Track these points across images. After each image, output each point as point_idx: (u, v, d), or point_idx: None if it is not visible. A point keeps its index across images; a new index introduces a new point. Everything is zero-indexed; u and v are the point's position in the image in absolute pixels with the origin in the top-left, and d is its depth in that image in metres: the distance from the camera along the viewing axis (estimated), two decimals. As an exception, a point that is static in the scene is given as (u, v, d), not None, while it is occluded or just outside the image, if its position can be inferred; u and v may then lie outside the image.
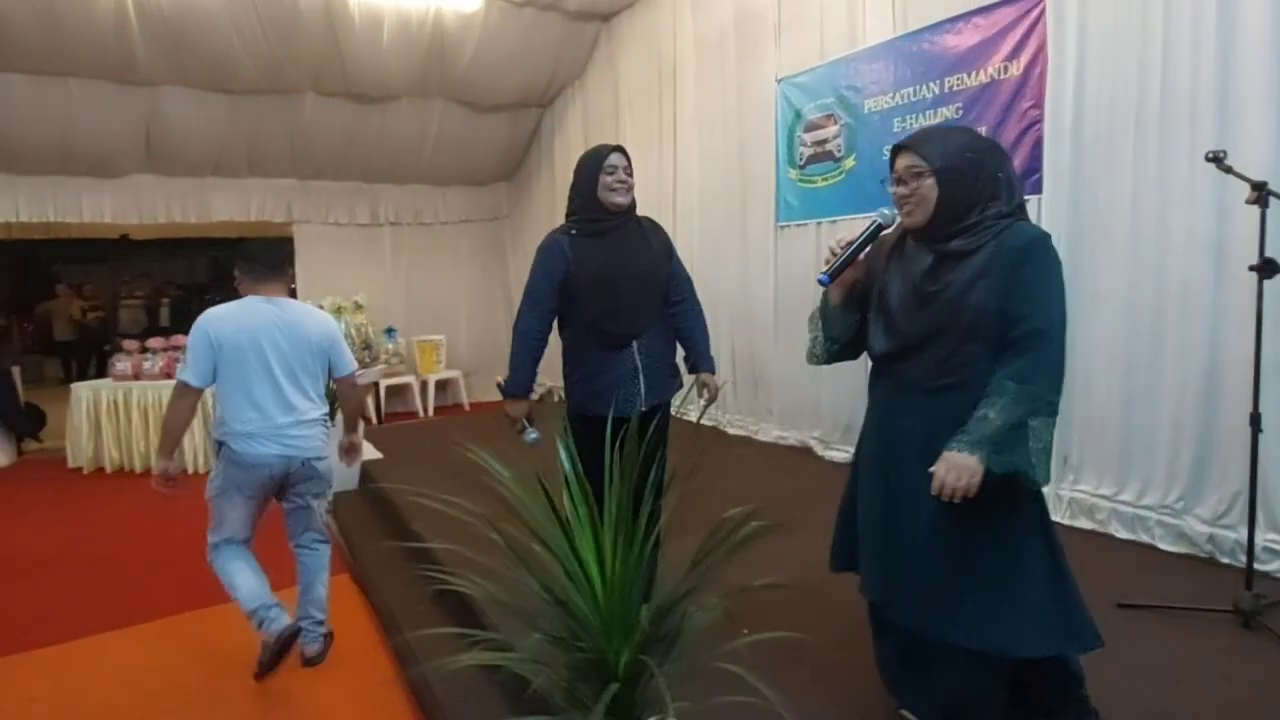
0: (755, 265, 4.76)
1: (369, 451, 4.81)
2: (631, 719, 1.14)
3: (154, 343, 5.74)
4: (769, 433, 4.74)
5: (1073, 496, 3.12)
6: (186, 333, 2.69)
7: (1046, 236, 1.58)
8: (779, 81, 4.56)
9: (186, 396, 2.45)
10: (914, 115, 3.73)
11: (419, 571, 2.85)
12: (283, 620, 2.46)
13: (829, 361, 1.83)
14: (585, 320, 2.26)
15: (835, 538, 1.88)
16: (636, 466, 1.41)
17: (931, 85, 3.63)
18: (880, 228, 1.68)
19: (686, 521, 1.83)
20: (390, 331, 7.32)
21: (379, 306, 7.26)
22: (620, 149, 2.33)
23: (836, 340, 1.79)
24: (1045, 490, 2.88)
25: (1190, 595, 2.40)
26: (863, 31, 3.99)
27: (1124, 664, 2.00)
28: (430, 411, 7.43)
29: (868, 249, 1.70)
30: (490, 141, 7.54)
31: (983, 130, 3.38)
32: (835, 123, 4.20)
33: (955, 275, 1.56)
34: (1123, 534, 2.94)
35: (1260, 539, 2.58)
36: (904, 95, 3.77)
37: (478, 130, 7.29)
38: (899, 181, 1.61)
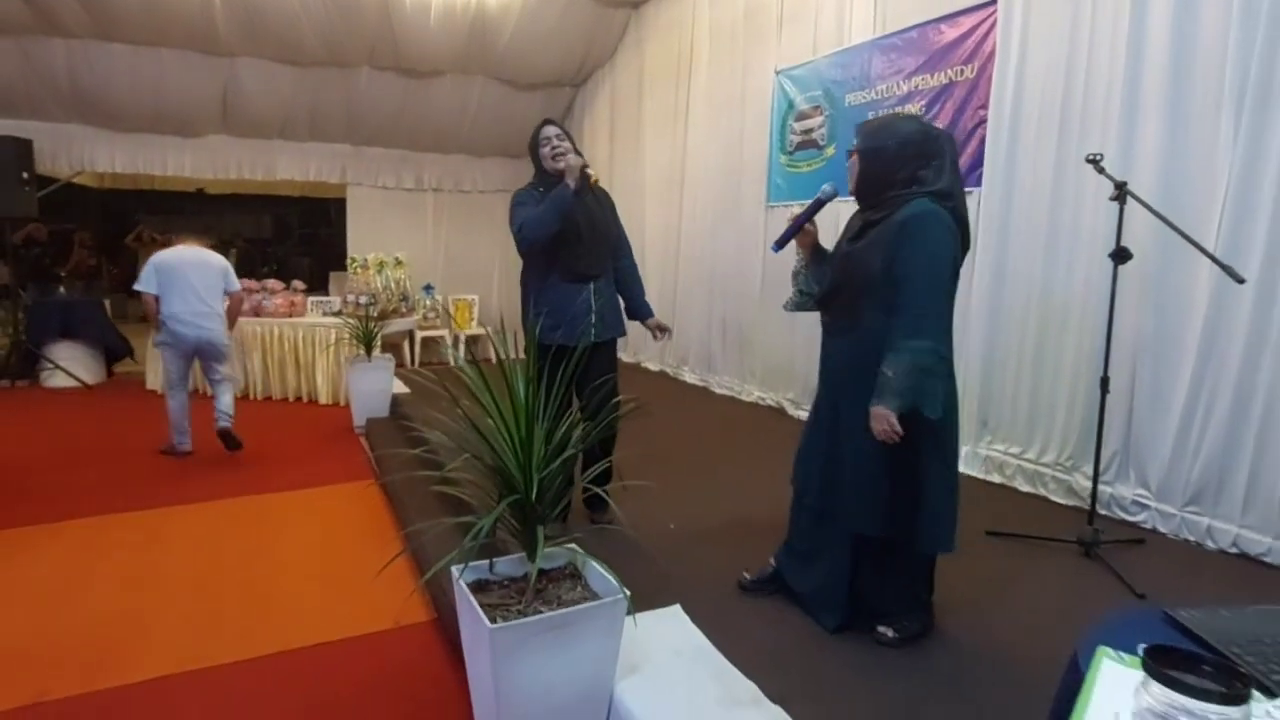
0: (747, 240, 5.24)
1: (398, 386, 5.48)
2: (534, 522, 1.71)
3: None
4: (751, 394, 5.24)
5: (988, 454, 3.56)
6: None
7: (932, 212, 1.85)
8: (777, 73, 4.99)
9: (148, 300, 4.27)
10: (885, 109, 4.13)
11: (422, 457, 3.48)
12: (187, 445, 4.48)
13: (797, 310, 2.24)
14: (552, 260, 2.71)
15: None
16: (589, 380, 1.90)
17: (902, 83, 4.03)
18: (821, 202, 2.08)
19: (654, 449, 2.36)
20: (428, 288, 8.01)
21: (419, 265, 7.95)
22: (552, 121, 2.81)
23: (804, 292, 2.19)
24: (965, 448, 3.41)
25: (1052, 530, 2.84)
26: (849, 30, 4.40)
27: (979, 577, 2.49)
28: (461, 363, 8.10)
29: (814, 215, 2.09)
30: (526, 117, 8.07)
31: (938, 127, 3.80)
32: (821, 114, 4.62)
33: (866, 240, 1.96)
34: (1024, 488, 3.39)
35: (1131, 493, 3.02)
36: (879, 91, 4.18)
37: (515, 106, 7.84)
38: (850, 156, 2.04)
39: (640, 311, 3.00)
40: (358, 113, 7.44)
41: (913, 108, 3.96)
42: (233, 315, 4.64)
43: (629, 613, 1.69)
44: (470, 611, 1.64)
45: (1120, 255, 2.56)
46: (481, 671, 1.64)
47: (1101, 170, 2.62)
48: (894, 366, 1.81)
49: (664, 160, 6.38)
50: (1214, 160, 2.67)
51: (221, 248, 13.88)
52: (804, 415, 4.62)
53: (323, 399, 6.13)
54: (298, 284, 6.74)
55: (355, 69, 6.94)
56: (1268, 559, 2.58)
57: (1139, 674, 0.73)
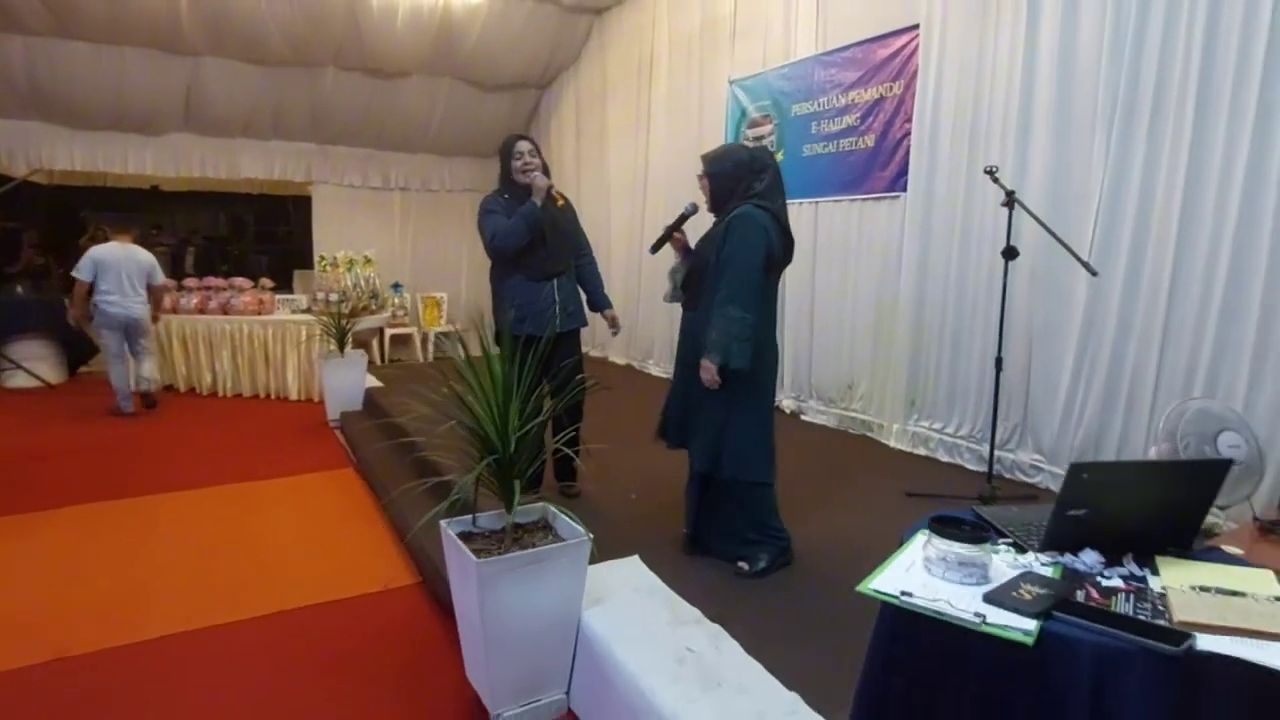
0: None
1: (371, 380, 5.73)
2: (510, 478, 2.04)
3: (190, 282, 6.64)
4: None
5: (915, 431, 4.00)
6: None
7: (750, 212, 2.33)
8: (731, 82, 5.36)
9: (80, 286, 5.23)
10: (826, 120, 4.55)
11: (398, 445, 3.77)
12: (129, 407, 5.48)
13: (673, 301, 2.68)
14: (519, 261, 3.00)
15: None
16: (555, 364, 2.23)
17: (840, 96, 4.44)
18: (685, 216, 2.59)
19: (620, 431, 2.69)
20: (397, 286, 8.22)
21: (387, 263, 8.16)
22: (525, 137, 3.08)
23: (678, 285, 2.64)
24: (896, 425, 3.82)
25: (961, 491, 3.27)
26: (795, 45, 4.79)
27: (892, 525, 2.89)
28: (430, 359, 8.35)
29: (681, 226, 2.58)
30: (493, 117, 8.35)
31: (872, 137, 4.22)
32: (771, 122, 5.01)
33: (710, 239, 2.46)
34: (944, 458, 3.83)
35: (1029, 458, 3.47)
36: (820, 103, 4.58)
37: (481, 107, 8.10)
38: (700, 179, 2.53)
39: (599, 304, 3.36)
40: (323, 112, 7.61)
41: (849, 119, 4.37)
42: (156, 303, 5.70)
43: (591, 553, 2.03)
44: (458, 553, 1.97)
45: (1009, 253, 2.99)
46: (469, 605, 1.96)
47: (996, 180, 3.05)
48: (714, 329, 2.31)
49: (628, 161, 6.72)
50: (1090, 172, 3.12)
51: (179, 246, 13.78)
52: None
53: (294, 395, 6.33)
54: (266, 282, 6.91)
55: (321, 69, 7.12)
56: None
57: (928, 536, 1.11)
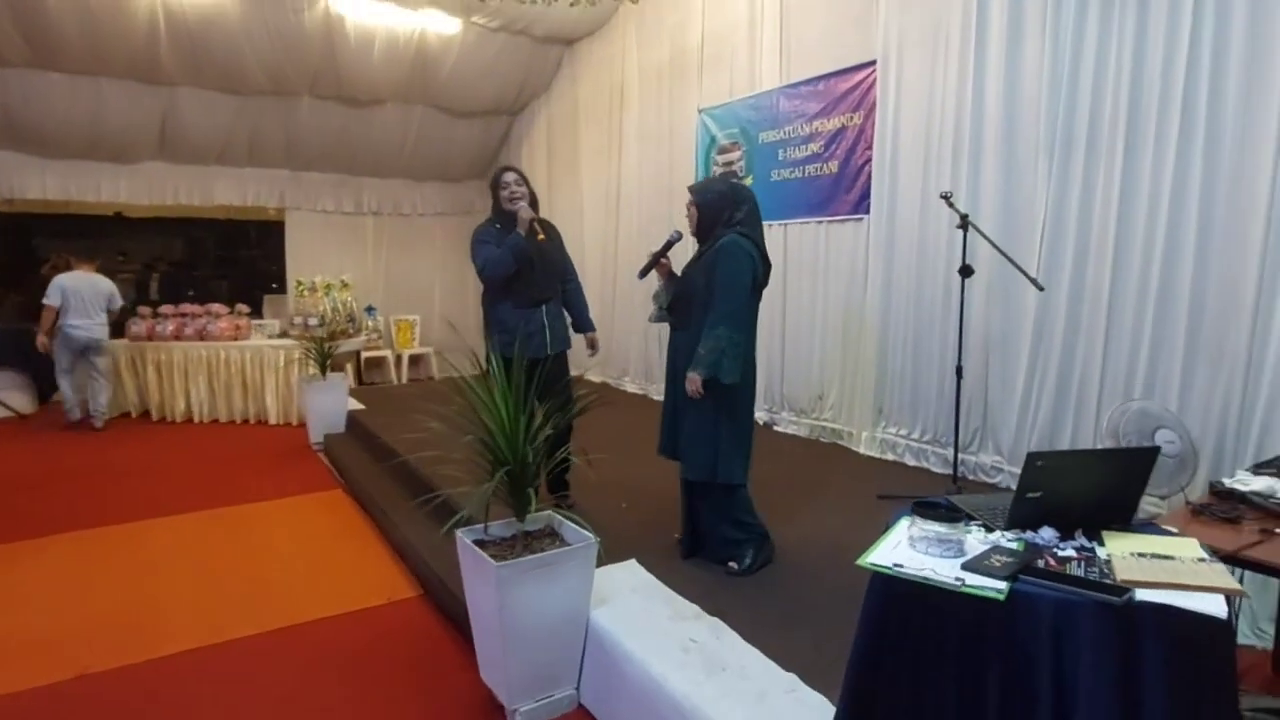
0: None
1: (352, 403, 5.79)
2: (523, 490, 2.19)
3: (165, 309, 6.63)
4: (685, 397, 5.82)
5: (883, 437, 4.24)
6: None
7: (736, 241, 2.54)
8: (700, 111, 5.62)
9: (49, 311, 5.78)
10: (792, 147, 4.82)
11: (390, 464, 3.88)
12: (76, 415, 6.06)
13: (657, 321, 2.88)
14: (510, 288, 3.14)
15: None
16: (547, 384, 2.41)
17: (804, 125, 4.72)
18: (671, 243, 2.80)
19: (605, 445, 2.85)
20: (370, 310, 8.28)
21: (360, 287, 8.21)
22: (512, 168, 3.25)
23: (663, 308, 2.83)
24: (865, 433, 4.03)
25: (928, 492, 3.49)
26: (760, 77, 5.07)
27: (868, 525, 3.10)
28: (404, 381, 8.40)
29: (667, 252, 2.78)
30: (465, 143, 8.52)
31: (835, 164, 4.50)
32: (739, 149, 5.28)
33: (699, 265, 2.67)
34: (911, 462, 4.07)
35: (990, 460, 3.72)
36: (786, 131, 4.86)
37: (454, 133, 8.26)
38: (687, 207, 2.73)
39: (584, 326, 3.56)
40: (297, 139, 7.69)
41: (814, 146, 4.64)
42: (114, 326, 6.33)
43: (599, 555, 2.19)
44: (476, 559, 2.11)
45: (965, 271, 3.26)
46: (487, 607, 2.10)
47: (951, 205, 3.32)
48: (703, 346, 2.52)
49: (600, 185, 6.93)
50: (1035, 195, 3.42)
51: (144, 272, 13.57)
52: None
53: (273, 419, 6.35)
54: (241, 308, 6.93)
55: (297, 97, 7.21)
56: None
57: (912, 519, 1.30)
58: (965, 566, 1.19)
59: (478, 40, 6.98)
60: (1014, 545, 1.30)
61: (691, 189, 2.74)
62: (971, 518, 1.34)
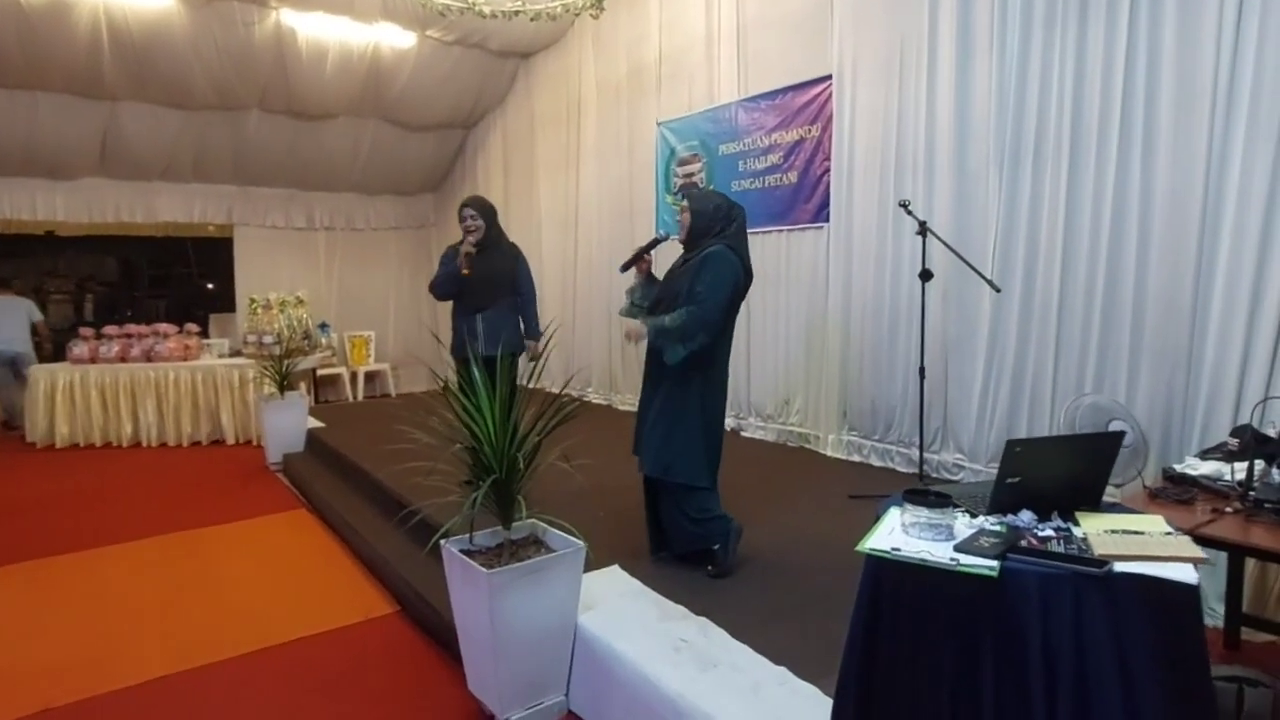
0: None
1: (311, 421, 5.66)
2: (509, 497, 2.20)
3: (110, 329, 6.38)
4: (650, 406, 5.87)
5: (849, 440, 4.36)
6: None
7: (725, 251, 2.63)
8: (659, 124, 5.72)
9: None
10: (752, 159, 4.94)
11: (354, 480, 3.81)
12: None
13: (627, 315, 2.92)
14: (458, 298, 3.69)
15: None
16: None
17: (764, 138, 4.85)
18: (658, 241, 2.93)
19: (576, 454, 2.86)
20: (324, 326, 8.11)
21: (313, 303, 8.04)
22: (470, 202, 3.66)
23: (636, 304, 2.88)
24: (831, 436, 4.12)
25: (896, 490, 3.61)
26: (719, 90, 5.19)
27: (841, 524, 3.18)
28: (359, 398, 8.24)
29: (652, 250, 2.88)
30: (419, 157, 8.45)
31: (794, 174, 4.63)
32: (699, 160, 5.38)
33: (684, 271, 2.73)
34: (877, 463, 4.19)
35: (952, 458, 3.86)
36: (745, 143, 4.98)
37: (407, 147, 8.19)
38: (681, 212, 2.78)
39: (530, 332, 3.87)
40: (245, 153, 7.52)
41: (773, 158, 4.77)
42: (42, 340, 6.85)
43: (586, 560, 2.21)
44: (464, 568, 2.10)
45: (924, 275, 3.40)
46: (477, 615, 2.09)
47: (910, 213, 3.46)
48: (671, 320, 2.59)
49: (559, 198, 6.96)
50: (988, 203, 3.59)
51: (78, 292, 13.00)
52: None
53: (229, 440, 6.16)
54: (191, 327, 6.71)
55: (245, 112, 7.06)
56: (1043, 497, 3.46)
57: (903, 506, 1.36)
58: (958, 548, 1.25)
59: (433, 54, 6.96)
60: (998, 528, 1.37)
61: (690, 196, 2.81)
62: (956, 504, 1.41)
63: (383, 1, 6.16)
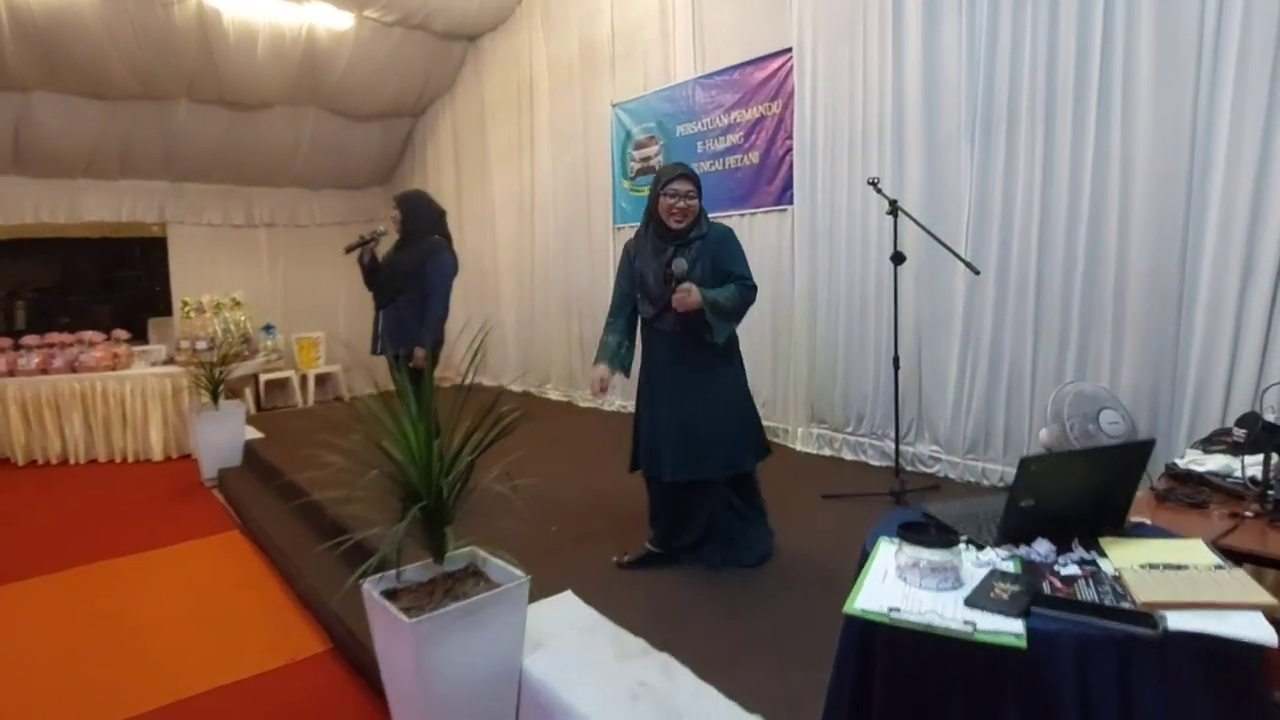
0: (598, 259, 5.60)
1: (251, 432, 5.28)
2: (439, 528, 1.90)
3: (29, 340, 5.89)
4: (613, 403, 5.58)
5: (819, 433, 4.13)
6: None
7: (732, 232, 2.63)
8: (614, 106, 5.40)
9: None
10: (711, 139, 4.66)
11: (289, 500, 3.47)
12: None
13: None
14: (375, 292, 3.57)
15: (631, 450, 2.72)
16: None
17: (722, 116, 4.57)
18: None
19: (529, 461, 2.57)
20: (269, 328, 7.66)
21: (257, 305, 7.59)
22: (394, 199, 3.56)
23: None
24: (800, 429, 3.90)
25: (872, 488, 3.39)
26: (674, 68, 4.89)
27: (817, 530, 2.94)
28: (310, 403, 7.81)
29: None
30: (364, 148, 8.01)
31: (756, 154, 4.37)
32: (656, 143, 5.09)
33: (691, 256, 2.48)
34: (849, 456, 3.97)
35: (927, 450, 3.65)
36: (704, 123, 4.70)
37: (351, 137, 7.74)
38: (678, 197, 2.49)
39: (419, 338, 3.49)
40: (176, 147, 7.02)
41: (733, 138, 4.50)
42: None
43: (529, 595, 1.93)
44: (385, 615, 1.81)
45: (897, 258, 3.16)
46: (402, 668, 1.80)
47: (879, 191, 3.22)
48: (724, 294, 2.48)
49: (512, 187, 6.61)
50: (959, 179, 3.36)
51: (7, 299, 12.38)
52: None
53: (158, 455, 5.73)
54: (119, 333, 6.24)
55: (173, 102, 6.57)
56: (1028, 490, 3.26)
57: (898, 544, 1.10)
58: (970, 603, 1.00)
59: (373, 36, 6.54)
60: (1010, 565, 1.13)
61: (691, 176, 2.56)
62: (959, 536, 1.16)
63: (313, -21, 5.74)
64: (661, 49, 4.97)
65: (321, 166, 7.98)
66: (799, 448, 4.21)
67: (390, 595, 1.92)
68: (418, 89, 7.43)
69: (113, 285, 13.00)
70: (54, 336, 5.97)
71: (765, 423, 4.37)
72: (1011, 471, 3.30)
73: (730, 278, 2.51)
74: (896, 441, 3.36)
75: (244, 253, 8.07)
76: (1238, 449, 2.08)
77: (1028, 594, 1.00)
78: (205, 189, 7.67)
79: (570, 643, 2.06)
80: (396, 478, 1.87)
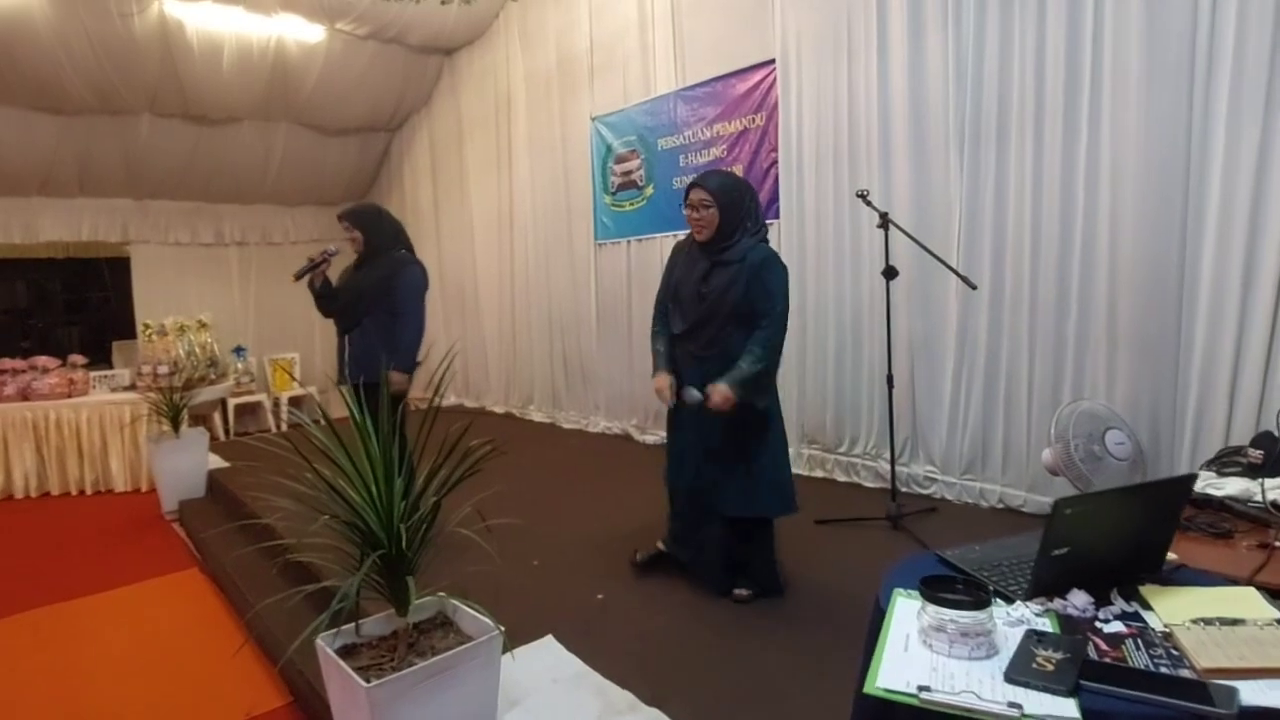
0: (579, 276, 5.45)
1: (215, 460, 5.04)
2: (402, 574, 1.73)
3: (-20, 366, 5.60)
4: (598, 424, 5.42)
5: (810, 454, 3.99)
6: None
7: (776, 254, 2.39)
8: (593, 120, 5.29)
9: None
10: (694, 153, 4.55)
11: (252, 536, 3.26)
12: None
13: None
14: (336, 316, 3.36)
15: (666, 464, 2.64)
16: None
17: (705, 130, 4.46)
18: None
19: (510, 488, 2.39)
20: (239, 350, 7.41)
21: (227, 326, 7.35)
22: (342, 215, 3.31)
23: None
24: (791, 450, 3.78)
25: (867, 511, 3.25)
26: (655, 81, 4.79)
27: (814, 559, 2.79)
28: (284, 428, 7.56)
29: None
30: (339, 163, 7.82)
31: (739, 168, 4.26)
32: (637, 157, 4.97)
33: (719, 280, 2.34)
34: (842, 478, 3.83)
35: (922, 470, 3.53)
36: (685, 136, 4.59)
37: (325, 152, 7.56)
38: (693, 208, 2.35)
39: (395, 362, 3.23)
40: (139, 163, 6.78)
41: (716, 151, 4.39)
42: None
43: (504, 648, 1.76)
44: (340, 676, 1.63)
45: (889, 273, 3.04)
46: (360, 733, 1.62)
47: (869, 203, 3.11)
48: (746, 365, 2.28)
49: (491, 201, 6.46)
50: (949, 191, 3.26)
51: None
52: (650, 439, 4.91)
53: (119, 486, 5.46)
54: (76, 359, 5.97)
55: (134, 116, 6.35)
56: (1025, 509, 3.16)
57: (920, 602, 0.96)
58: (1011, 679, 0.85)
59: (345, 50, 6.38)
60: (1045, 623, 0.98)
61: (704, 183, 2.35)
62: (983, 586, 1.01)
63: (281, -10, 5.58)
64: (641, 61, 4.86)
65: (295, 182, 7.78)
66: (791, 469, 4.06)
67: (348, 651, 1.74)
68: (393, 103, 7.28)
69: (80, 307, 12.63)
70: (5, 362, 5.69)
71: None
72: (1010, 491, 3.21)
73: (758, 324, 2.32)
74: (892, 463, 3.23)
75: (214, 272, 7.82)
76: (1255, 471, 1.97)
77: (1074, 663, 0.86)
78: (171, 206, 7.43)
79: (551, 699, 1.89)
80: (354, 522, 1.69)
